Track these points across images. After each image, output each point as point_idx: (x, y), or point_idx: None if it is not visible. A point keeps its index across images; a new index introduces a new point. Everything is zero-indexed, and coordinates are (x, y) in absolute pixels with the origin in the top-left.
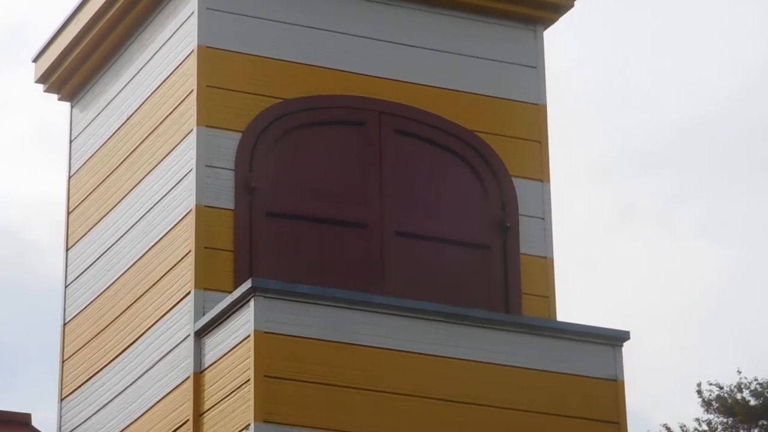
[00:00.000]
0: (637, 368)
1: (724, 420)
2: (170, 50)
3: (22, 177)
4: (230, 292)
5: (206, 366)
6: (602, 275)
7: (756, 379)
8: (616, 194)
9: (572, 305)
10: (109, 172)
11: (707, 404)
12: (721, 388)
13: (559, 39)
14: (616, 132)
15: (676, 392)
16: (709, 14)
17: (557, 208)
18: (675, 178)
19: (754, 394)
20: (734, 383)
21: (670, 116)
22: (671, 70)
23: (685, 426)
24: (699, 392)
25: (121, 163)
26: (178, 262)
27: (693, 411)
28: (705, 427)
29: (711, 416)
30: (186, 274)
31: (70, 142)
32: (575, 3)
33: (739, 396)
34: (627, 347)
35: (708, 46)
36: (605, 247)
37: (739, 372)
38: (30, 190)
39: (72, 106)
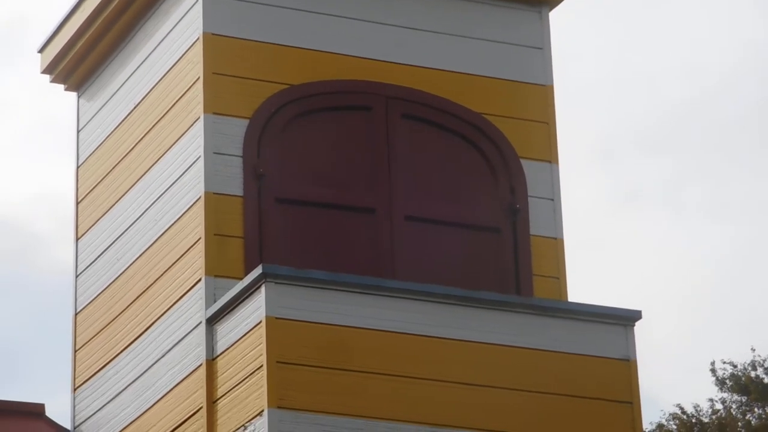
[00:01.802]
0: (650, 349)
1: (738, 398)
2: (176, 38)
3: (25, 171)
4: (241, 279)
5: (218, 353)
6: (610, 256)
7: None
8: (622, 175)
9: (582, 286)
10: (117, 161)
11: (721, 383)
12: (735, 366)
13: (564, 19)
14: (620, 113)
15: (689, 373)
16: None
17: (564, 190)
18: (680, 158)
19: None
20: (748, 361)
21: (674, 96)
22: (675, 49)
23: (698, 406)
24: (713, 371)
25: (129, 152)
26: (188, 250)
27: (706, 391)
28: (719, 406)
29: (725, 395)
30: (196, 261)
31: (78, 132)
32: None
33: (753, 374)
34: (638, 328)
35: (710, 25)
36: (612, 228)
37: (753, 350)
38: (33, 183)
39: (79, 96)
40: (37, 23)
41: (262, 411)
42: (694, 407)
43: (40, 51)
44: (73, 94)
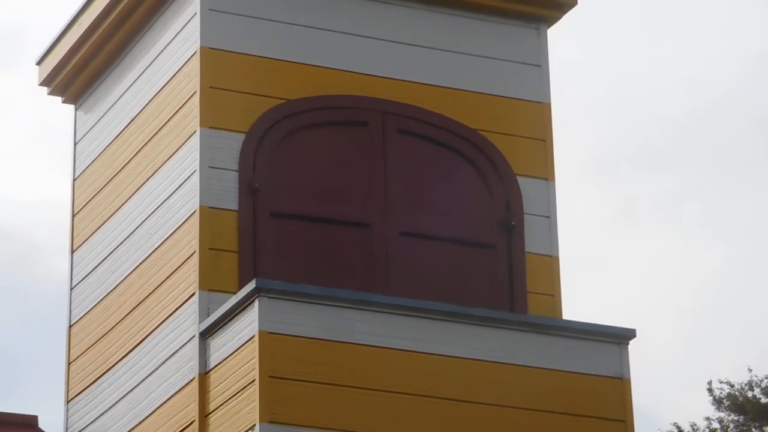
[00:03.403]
0: (648, 366)
1: (736, 418)
2: (173, 52)
3: (25, 179)
4: (235, 293)
5: (211, 367)
6: (608, 273)
7: (767, 377)
8: (620, 191)
9: (578, 303)
10: (114, 174)
11: (718, 402)
12: (732, 386)
13: (562, 36)
14: (618, 129)
15: (687, 391)
16: (710, 8)
17: (561, 206)
18: (679, 173)
19: (765, 392)
20: (745, 381)
21: (672, 112)
22: (673, 65)
23: (695, 425)
24: (710, 390)
25: (125, 165)
26: (182, 264)
27: (704, 409)
28: (716, 425)
29: (722, 414)
30: (190, 275)
31: (75, 144)
32: (579, 0)
33: (750, 394)
34: (637, 345)
35: (709, 39)
36: (610, 245)
37: (750, 370)
38: (32, 192)
39: (76, 109)
40: (37, 32)
41: (254, 426)
42: (691, 426)
43: (38, 63)
44: (71, 107)
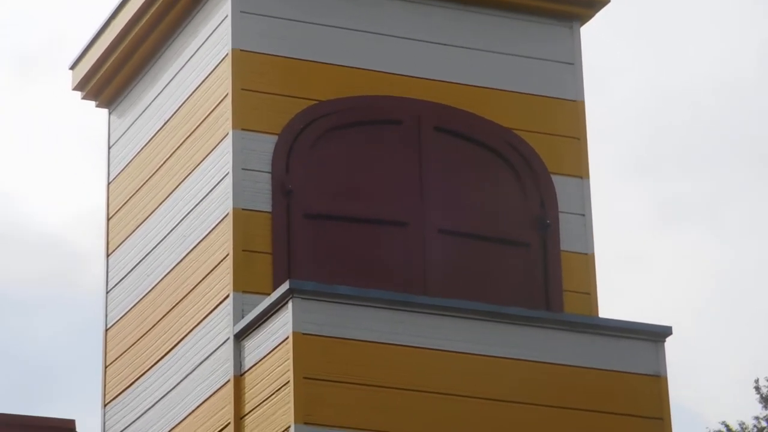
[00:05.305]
0: (694, 365)
1: None
2: (204, 54)
3: (65, 187)
4: (269, 295)
5: (246, 369)
6: (647, 270)
7: None
8: (658, 189)
9: (616, 301)
10: (147, 177)
11: (765, 400)
12: None
13: (595, 34)
14: (654, 127)
15: (735, 389)
16: (746, 5)
17: (598, 205)
18: (718, 172)
19: None
20: None
21: (708, 110)
22: (709, 64)
23: (744, 423)
24: (757, 389)
25: (159, 168)
26: (216, 266)
27: (752, 408)
28: (765, 423)
29: None
30: (224, 277)
31: (109, 148)
32: None
33: None
34: (682, 344)
35: (745, 40)
36: (648, 243)
37: None
38: (77, 201)
39: (110, 113)
40: (75, 39)
41: (289, 427)
42: (740, 425)
43: (71, 68)
44: (105, 111)
